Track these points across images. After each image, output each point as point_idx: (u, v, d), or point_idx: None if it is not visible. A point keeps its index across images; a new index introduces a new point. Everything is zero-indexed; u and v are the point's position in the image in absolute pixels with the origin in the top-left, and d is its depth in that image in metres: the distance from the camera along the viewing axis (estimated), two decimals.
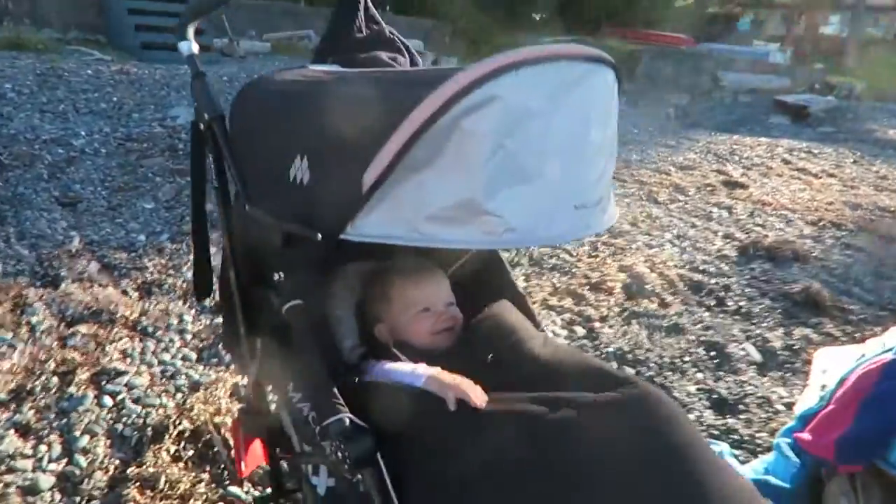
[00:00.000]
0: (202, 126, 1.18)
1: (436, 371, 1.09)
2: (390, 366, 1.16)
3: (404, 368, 1.13)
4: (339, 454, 0.98)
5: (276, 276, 1.11)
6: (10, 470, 1.76)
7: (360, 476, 1.00)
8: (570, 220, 0.89)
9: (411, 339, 1.28)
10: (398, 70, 1.26)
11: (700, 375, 2.74)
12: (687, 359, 2.84)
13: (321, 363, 1.06)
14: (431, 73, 0.92)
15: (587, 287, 3.31)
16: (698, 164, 6.27)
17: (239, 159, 1.14)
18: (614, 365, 1.26)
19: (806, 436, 1.74)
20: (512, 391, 1.07)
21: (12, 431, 1.89)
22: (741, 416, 2.44)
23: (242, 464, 1.29)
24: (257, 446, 1.33)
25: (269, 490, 1.51)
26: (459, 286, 1.40)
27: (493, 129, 0.81)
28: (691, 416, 2.43)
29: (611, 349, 2.80)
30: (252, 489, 1.75)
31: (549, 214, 0.87)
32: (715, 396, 2.58)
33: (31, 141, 4.24)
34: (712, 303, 3.38)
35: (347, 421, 1.00)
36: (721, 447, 2.15)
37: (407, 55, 1.37)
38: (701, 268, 3.79)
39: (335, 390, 1.03)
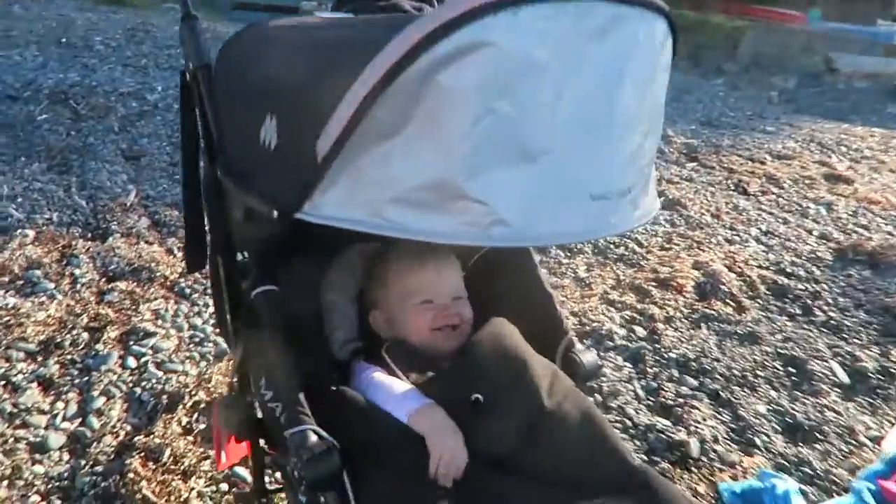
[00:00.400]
0: (188, 76, 1.04)
1: (426, 408, 0.93)
2: (378, 378, 1.00)
3: (392, 390, 0.97)
4: (297, 473, 0.83)
5: (239, 256, 0.96)
6: (24, 425, 1.74)
7: (321, 498, 0.85)
8: (585, 215, 0.69)
9: (409, 333, 1.11)
10: (394, 14, 1.06)
11: (773, 394, 2.44)
12: (760, 373, 2.53)
13: (289, 361, 0.92)
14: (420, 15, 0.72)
15: (654, 283, 3.03)
16: (798, 153, 5.70)
17: (220, 116, 0.99)
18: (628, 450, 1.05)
19: (893, 485, 1.46)
20: (497, 446, 0.94)
21: (35, 384, 1.88)
22: (817, 447, 2.14)
23: (223, 454, 1.17)
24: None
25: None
26: (475, 278, 1.21)
27: (479, 87, 0.61)
28: (757, 441, 2.15)
29: (672, 355, 2.54)
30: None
31: (555, 205, 0.67)
32: (789, 419, 2.28)
33: (108, 93, 4.34)
34: (797, 311, 3.02)
35: (312, 436, 0.85)
36: (787, 483, 1.87)
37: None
38: (788, 270, 3.40)
39: (301, 396, 0.89)
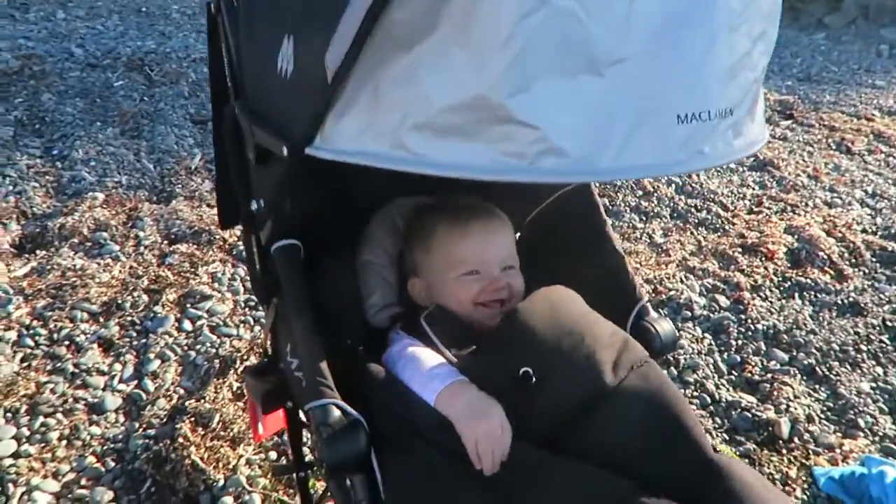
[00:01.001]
0: (212, 8, 0.93)
1: (455, 387, 0.79)
2: (410, 352, 0.87)
3: (422, 366, 0.84)
4: (318, 452, 0.72)
5: (253, 205, 0.85)
6: (84, 385, 1.74)
7: (347, 482, 0.74)
8: (668, 142, 0.52)
9: (450, 304, 0.97)
10: None
11: (879, 370, 2.18)
12: (864, 347, 2.27)
13: (312, 325, 0.80)
14: None
15: (740, 249, 2.76)
16: None
17: (241, 48, 0.87)
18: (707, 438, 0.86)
19: None
20: (546, 425, 0.81)
21: (96, 345, 1.88)
22: None
23: (259, 425, 1.09)
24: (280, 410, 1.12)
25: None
26: (532, 238, 1.05)
27: None
28: (860, 422, 1.92)
29: (760, 326, 2.30)
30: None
31: (629, 128, 0.51)
32: None
33: (181, 59, 4.37)
34: None
35: (335, 411, 0.74)
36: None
37: None
38: None
39: (323, 365, 0.77)
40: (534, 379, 0.80)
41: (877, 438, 1.89)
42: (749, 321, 2.31)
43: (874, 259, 2.82)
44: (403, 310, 1.03)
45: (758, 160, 3.72)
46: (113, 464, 1.54)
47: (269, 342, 1.03)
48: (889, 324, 2.39)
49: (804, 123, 4.51)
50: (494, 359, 0.87)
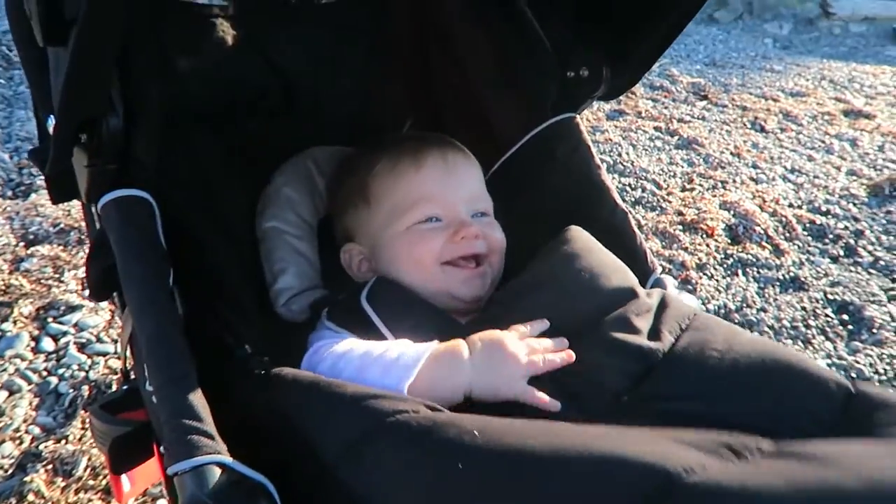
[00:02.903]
0: None
1: (434, 359, 0.52)
2: (344, 349, 0.58)
3: (378, 350, 0.56)
4: None
5: (49, 124, 0.53)
6: None
7: None
8: None
9: (403, 271, 0.69)
10: None
11: (830, 346, 2.10)
12: (812, 322, 2.19)
13: (173, 326, 0.50)
14: None
15: (680, 227, 2.64)
16: (811, 90, 5.33)
17: None
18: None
19: None
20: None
21: None
22: None
23: (124, 479, 0.75)
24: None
25: None
26: (504, 190, 0.79)
27: None
28: None
29: (711, 306, 2.17)
30: None
31: None
32: (853, 374, 1.95)
33: None
34: (840, 252, 2.68)
35: (217, 473, 0.44)
36: None
37: None
38: (823, 208, 3.04)
39: (193, 397, 0.47)
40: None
41: None
42: (700, 301, 2.16)
43: (805, 232, 2.79)
44: (330, 293, 0.73)
45: (682, 139, 3.68)
46: None
47: (128, 361, 0.70)
48: (830, 297, 2.33)
49: (718, 104, 4.55)
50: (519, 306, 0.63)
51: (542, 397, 0.57)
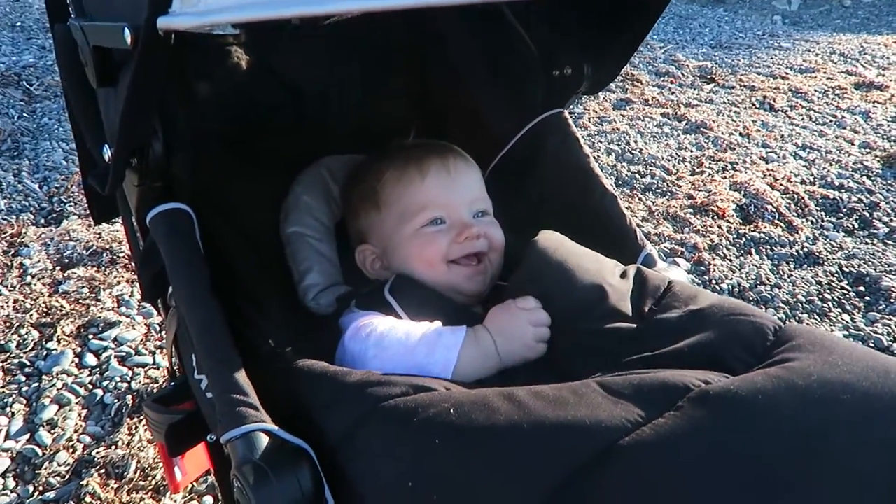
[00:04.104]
0: None
1: (472, 339, 0.60)
2: (387, 325, 0.65)
3: (418, 329, 0.63)
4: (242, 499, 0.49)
5: (105, 152, 0.60)
6: None
7: None
8: None
9: (415, 270, 0.76)
10: None
11: (847, 318, 2.11)
12: (828, 296, 2.20)
13: (218, 320, 0.57)
14: None
15: (691, 210, 2.67)
16: (821, 65, 5.28)
17: None
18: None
19: None
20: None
21: None
22: None
23: (177, 470, 0.83)
24: (201, 445, 0.86)
25: None
26: (501, 186, 0.85)
27: None
28: None
29: (725, 286, 2.20)
30: None
31: None
32: (871, 344, 1.97)
33: None
34: (855, 225, 2.68)
35: (264, 439, 0.51)
36: None
37: None
38: (836, 183, 3.04)
39: (239, 375, 0.54)
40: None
41: None
42: (714, 282, 2.20)
43: (818, 208, 2.79)
44: (353, 289, 0.80)
45: (690, 123, 3.69)
46: None
47: (174, 358, 0.78)
48: (846, 270, 2.34)
49: (725, 86, 4.54)
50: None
51: (544, 350, 0.66)
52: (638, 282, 0.69)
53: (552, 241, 0.73)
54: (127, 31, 0.42)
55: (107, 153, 0.61)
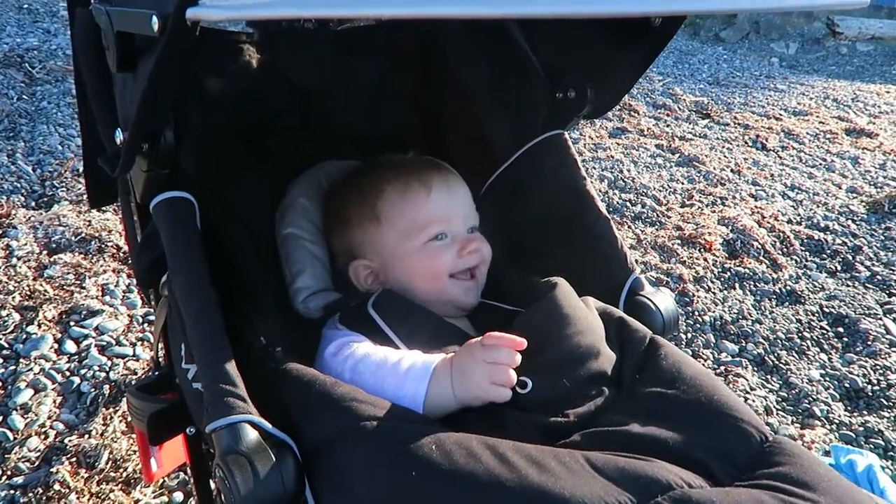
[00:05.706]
0: None
1: (443, 370, 0.60)
2: (364, 352, 0.66)
3: (390, 359, 0.63)
4: (224, 496, 0.49)
5: (117, 136, 0.61)
6: None
7: None
8: None
9: (418, 283, 0.77)
10: None
11: (824, 357, 2.14)
12: (807, 335, 2.23)
13: (213, 312, 0.57)
14: None
15: (678, 241, 2.70)
16: (814, 109, 5.38)
17: None
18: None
19: None
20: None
21: None
22: (884, 414, 1.85)
23: (153, 461, 0.83)
24: (178, 439, 0.86)
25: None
26: (494, 207, 0.87)
27: None
28: (816, 411, 1.85)
29: (707, 318, 2.22)
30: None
31: None
32: (847, 385, 2.00)
33: (69, 57, 3.96)
34: (838, 267, 2.72)
35: (250, 431, 0.51)
36: (867, 458, 1.56)
37: None
38: (822, 224, 3.09)
39: (229, 367, 0.54)
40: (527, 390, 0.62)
41: (834, 426, 1.82)
42: (696, 313, 2.22)
43: (803, 248, 2.84)
44: (342, 297, 0.81)
45: (683, 156, 3.75)
46: None
47: (160, 348, 0.78)
48: (826, 310, 2.38)
49: (720, 122, 4.62)
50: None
51: (502, 394, 0.65)
52: (620, 341, 0.70)
53: (567, 291, 0.74)
54: (155, 19, 0.44)
55: (119, 137, 0.62)
